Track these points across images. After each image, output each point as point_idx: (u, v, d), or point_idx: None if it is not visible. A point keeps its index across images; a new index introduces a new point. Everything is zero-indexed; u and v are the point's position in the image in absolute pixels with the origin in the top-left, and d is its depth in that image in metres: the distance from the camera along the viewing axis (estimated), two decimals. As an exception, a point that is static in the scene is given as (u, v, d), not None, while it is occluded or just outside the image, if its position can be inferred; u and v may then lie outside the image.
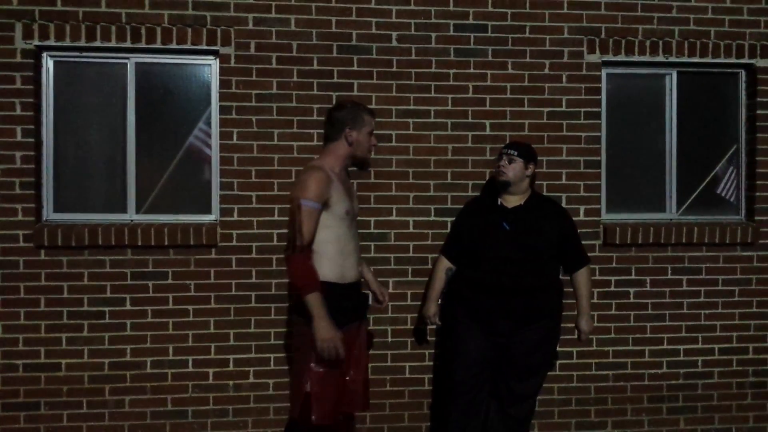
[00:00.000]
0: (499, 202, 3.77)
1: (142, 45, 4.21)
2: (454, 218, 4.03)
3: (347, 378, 3.29)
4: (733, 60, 4.57)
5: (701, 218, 4.65)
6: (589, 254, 4.47)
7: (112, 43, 4.19)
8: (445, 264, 3.92)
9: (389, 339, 4.38)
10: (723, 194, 4.73)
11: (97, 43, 4.19)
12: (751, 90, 4.63)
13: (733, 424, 4.60)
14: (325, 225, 3.16)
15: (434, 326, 4.08)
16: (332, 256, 3.19)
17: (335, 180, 3.21)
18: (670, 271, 4.54)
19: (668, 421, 4.55)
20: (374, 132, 3.42)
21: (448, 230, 4.09)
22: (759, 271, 4.60)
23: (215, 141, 4.33)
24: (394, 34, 4.33)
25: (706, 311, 4.58)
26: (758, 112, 4.58)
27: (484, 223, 3.73)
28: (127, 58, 4.28)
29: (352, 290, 3.29)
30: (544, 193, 4.42)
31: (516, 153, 3.71)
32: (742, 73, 4.67)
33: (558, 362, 4.43)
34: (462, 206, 4.02)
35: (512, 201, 3.74)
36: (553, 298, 3.73)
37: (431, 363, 4.42)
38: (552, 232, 3.67)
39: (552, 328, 3.75)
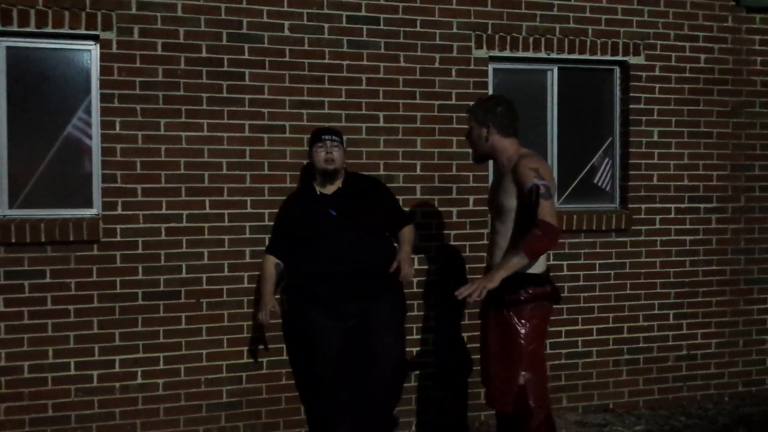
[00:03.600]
0: (318, 192, 3.79)
1: (14, 28, 3.91)
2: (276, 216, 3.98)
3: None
4: (608, 57, 4.84)
5: (580, 206, 4.92)
6: (477, 243, 4.63)
7: (-22, 25, 3.88)
8: (273, 261, 3.81)
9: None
10: (599, 184, 5.02)
11: (-39, 24, 3.86)
12: (625, 86, 4.93)
13: (610, 399, 4.91)
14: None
15: (271, 320, 3.81)
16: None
17: None
18: (551, 257, 4.77)
19: (552, 400, 4.75)
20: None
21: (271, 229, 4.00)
22: (632, 256, 4.92)
23: (96, 131, 4.11)
24: (287, 23, 4.27)
25: (585, 294, 4.86)
26: (631, 106, 4.89)
27: (312, 213, 3.71)
28: (-4, 40, 3.98)
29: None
30: (436, 184, 4.53)
31: (338, 139, 3.78)
32: (617, 70, 4.97)
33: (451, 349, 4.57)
34: (282, 203, 3.97)
35: (331, 187, 3.78)
36: (392, 272, 3.63)
37: (286, 357, 4.36)
38: (375, 205, 3.76)
39: (398, 299, 3.84)
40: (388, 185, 4.08)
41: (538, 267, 3.24)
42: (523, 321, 3.18)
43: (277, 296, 3.91)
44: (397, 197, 4.07)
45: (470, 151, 3.53)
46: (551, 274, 3.43)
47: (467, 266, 4.59)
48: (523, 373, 3.16)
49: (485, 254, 3.57)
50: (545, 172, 3.12)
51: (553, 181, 3.17)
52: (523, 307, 3.18)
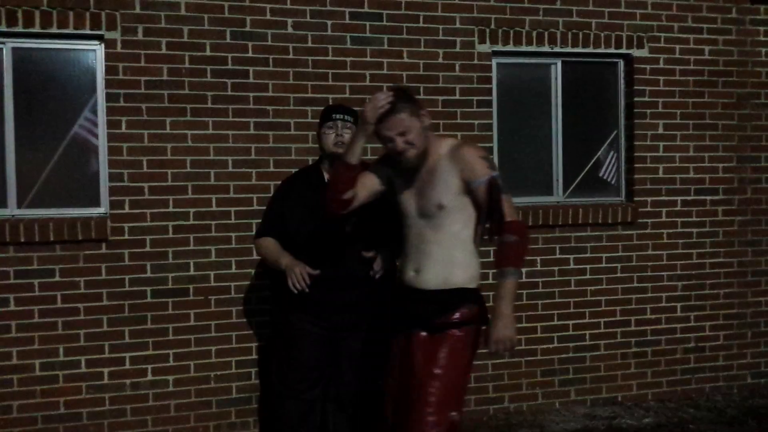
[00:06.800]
0: (325, 177, 3.28)
1: (19, 29, 3.94)
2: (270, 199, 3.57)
3: None
4: (612, 50, 4.84)
5: (586, 200, 4.91)
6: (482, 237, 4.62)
7: (-15, 26, 3.92)
8: (269, 239, 3.34)
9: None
10: (605, 177, 5.02)
11: (-32, 26, 3.90)
12: (629, 79, 4.93)
13: (619, 392, 4.91)
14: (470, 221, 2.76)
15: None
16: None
17: None
18: (558, 251, 4.77)
19: (560, 393, 4.80)
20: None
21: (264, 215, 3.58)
22: (638, 248, 4.92)
23: (102, 130, 4.14)
24: (290, 20, 4.29)
25: (592, 287, 4.86)
26: (635, 99, 4.88)
27: (312, 201, 3.16)
28: (3, 43, 4.01)
29: None
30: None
31: (351, 120, 3.29)
32: (621, 63, 4.96)
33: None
34: (281, 183, 3.56)
35: None
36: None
37: (256, 357, 4.32)
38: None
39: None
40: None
41: (475, 279, 2.80)
42: (468, 345, 2.72)
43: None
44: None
45: (404, 158, 2.72)
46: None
47: (473, 261, 4.60)
48: (453, 413, 2.67)
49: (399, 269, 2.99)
50: (493, 160, 2.72)
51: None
52: (469, 328, 2.72)
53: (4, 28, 3.92)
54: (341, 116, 3.29)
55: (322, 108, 3.54)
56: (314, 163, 3.51)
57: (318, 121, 3.44)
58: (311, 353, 3.30)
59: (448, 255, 2.71)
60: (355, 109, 3.31)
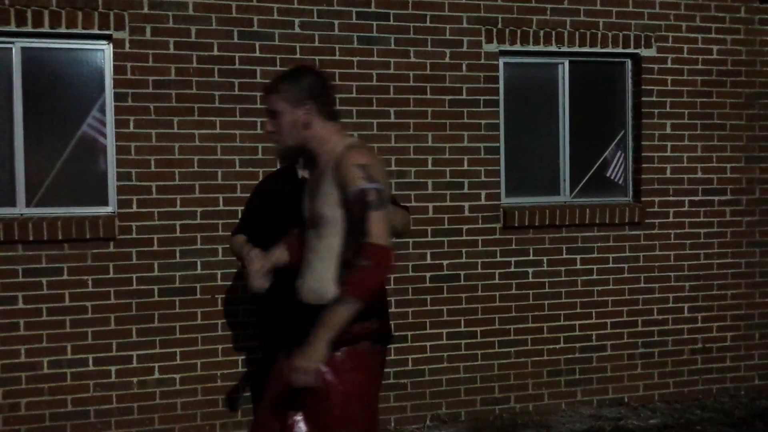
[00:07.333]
0: (300, 175, 3.15)
1: (29, 29, 3.97)
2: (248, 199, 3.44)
3: None
4: (620, 50, 4.83)
5: (593, 200, 4.90)
6: (489, 237, 4.63)
7: (-6, 26, 3.94)
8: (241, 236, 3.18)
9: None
10: (612, 177, 5.01)
11: (-23, 26, 3.93)
12: (637, 78, 4.91)
13: (625, 393, 4.90)
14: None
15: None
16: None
17: None
18: (565, 251, 4.76)
19: (566, 393, 4.79)
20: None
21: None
22: (646, 249, 4.90)
23: (110, 129, 4.16)
24: (297, 20, 4.30)
25: (599, 288, 4.84)
26: (643, 99, 4.87)
27: (287, 203, 3.02)
28: (12, 42, 4.03)
29: None
30: (447, 179, 4.54)
31: None
32: (629, 63, 4.95)
33: (463, 342, 4.58)
34: (258, 183, 3.51)
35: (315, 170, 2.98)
36: None
37: (246, 369, 4.31)
38: None
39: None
40: (398, 180, 4.09)
41: None
42: (335, 372, 2.26)
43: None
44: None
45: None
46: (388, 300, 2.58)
47: (479, 261, 4.60)
48: None
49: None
50: (376, 170, 2.28)
51: (388, 184, 2.38)
52: (334, 353, 2.25)
53: (13, 28, 3.95)
54: None
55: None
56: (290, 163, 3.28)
57: None
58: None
59: (326, 269, 2.35)
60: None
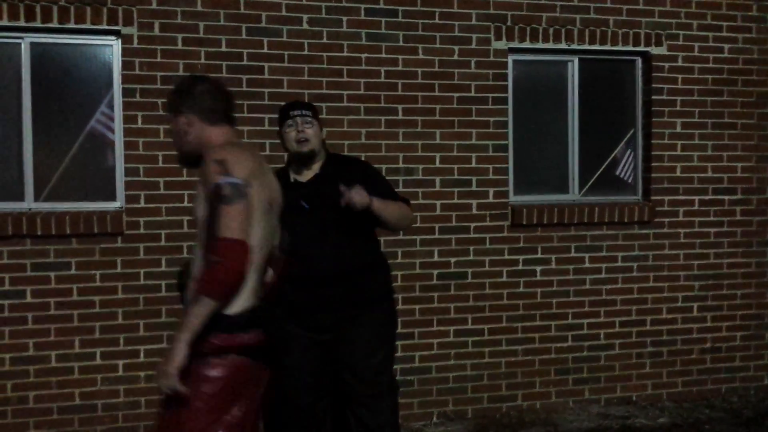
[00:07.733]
0: (292, 179, 3.11)
1: (38, 24, 3.99)
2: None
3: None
4: (630, 48, 4.80)
5: (602, 198, 4.88)
6: (497, 235, 4.60)
7: (4, 22, 3.95)
8: None
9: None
10: (622, 176, 4.98)
11: (-13, 21, 3.95)
12: (647, 76, 4.88)
13: (634, 392, 4.88)
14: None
15: None
16: None
17: None
18: (573, 249, 4.74)
19: (574, 392, 4.77)
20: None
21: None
22: (655, 248, 4.87)
23: (119, 125, 4.17)
24: (305, 16, 4.29)
25: (607, 286, 4.82)
26: (653, 97, 4.84)
27: (281, 203, 2.89)
28: (21, 38, 4.05)
29: None
30: (455, 177, 4.53)
31: (310, 114, 3.11)
32: (639, 61, 4.91)
33: (470, 339, 4.57)
34: None
35: (307, 173, 3.12)
36: (379, 278, 3.19)
37: None
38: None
39: (384, 318, 3.18)
40: (405, 178, 4.08)
41: (236, 305, 2.26)
42: (195, 383, 2.19)
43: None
44: (388, 179, 3.45)
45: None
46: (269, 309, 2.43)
47: (487, 259, 4.59)
48: None
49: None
50: (236, 164, 2.24)
51: (254, 178, 2.29)
52: (200, 362, 2.19)
53: (22, 23, 3.97)
54: (299, 112, 3.11)
55: (336, 104, 3.49)
56: (283, 167, 3.25)
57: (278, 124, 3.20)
58: (302, 358, 3.09)
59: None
60: (314, 104, 3.25)
